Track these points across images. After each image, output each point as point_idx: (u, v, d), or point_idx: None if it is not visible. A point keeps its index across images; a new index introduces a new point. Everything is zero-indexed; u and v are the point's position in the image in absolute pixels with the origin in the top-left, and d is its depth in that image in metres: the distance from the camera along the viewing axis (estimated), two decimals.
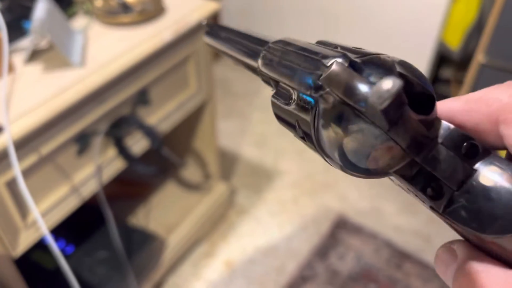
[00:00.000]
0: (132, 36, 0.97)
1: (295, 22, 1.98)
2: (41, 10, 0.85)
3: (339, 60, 0.21)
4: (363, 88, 0.18)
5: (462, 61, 1.69)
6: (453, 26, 1.55)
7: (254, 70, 0.31)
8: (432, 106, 0.20)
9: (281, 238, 1.49)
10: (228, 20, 2.28)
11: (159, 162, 1.36)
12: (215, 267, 1.40)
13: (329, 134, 0.21)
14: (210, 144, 1.39)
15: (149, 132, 0.99)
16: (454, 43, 1.59)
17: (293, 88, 0.25)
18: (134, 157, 1.00)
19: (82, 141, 0.89)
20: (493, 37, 1.44)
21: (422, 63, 1.64)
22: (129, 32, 0.98)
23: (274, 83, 0.28)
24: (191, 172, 1.49)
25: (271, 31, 2.10)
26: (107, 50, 0.92)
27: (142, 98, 1.00)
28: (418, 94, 0.20)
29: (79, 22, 1.01)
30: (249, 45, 0.31)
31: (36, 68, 0.87)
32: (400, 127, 0.19)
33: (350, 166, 0.21)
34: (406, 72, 0.20)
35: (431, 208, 0.21)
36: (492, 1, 1.45)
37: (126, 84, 0.94)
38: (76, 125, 0.86)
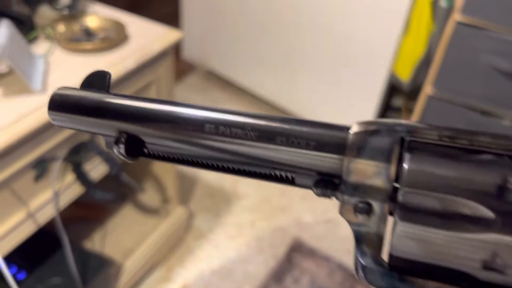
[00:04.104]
0: (94, 63, 0.98)
1: (255, 46, 2.03)
2: (2, 35, 0.85)
3: None
4: None
5: (412, 92, 1.79)
6: (403, 60, 1.65)
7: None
8: None
9: (238, 262, 1.51)
10: (190, 47, 2.31)
11: (117, 187, 1.35)
12: None
13: None
14: (169, 168, 1.40)
15: (108, 158, 0.99)
16: (405, 75, 1.68)
17: None
18: (92, 183, 1.00)
19: (40, 167, 0.89)
20: (440, 72, 1.54)
21: (376, 93, 1.73)
22: (92, 59, 0.98)
23: None
24: (149, 195, 1.49)
25: (232, 53, 2.15)
26: (69, 76, 0.93)
27: None
28: None
29: (41, 47, 1.01)
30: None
31: None
32: None
33: None
34: None
35: None
36: (439, 38, 1.56)
37: None
38: (35, 152, 0.86)
